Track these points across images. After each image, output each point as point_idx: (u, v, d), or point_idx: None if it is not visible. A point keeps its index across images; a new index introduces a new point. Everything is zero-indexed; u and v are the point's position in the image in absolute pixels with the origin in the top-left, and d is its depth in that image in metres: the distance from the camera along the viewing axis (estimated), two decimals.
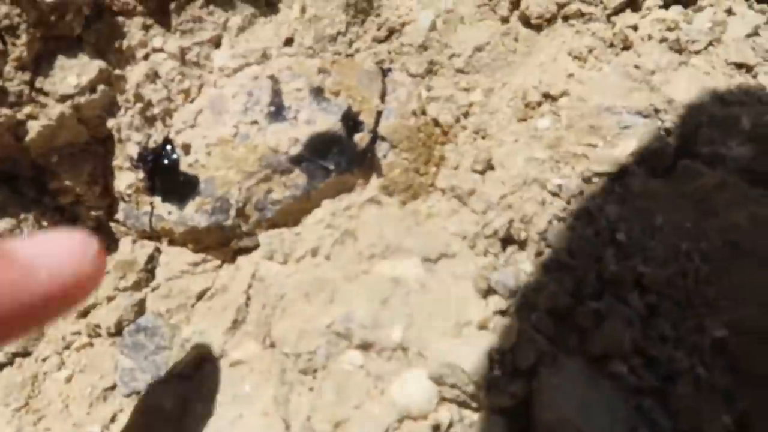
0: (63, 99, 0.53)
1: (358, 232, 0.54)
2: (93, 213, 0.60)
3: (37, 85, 0.53)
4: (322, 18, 0.62)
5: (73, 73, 0.54)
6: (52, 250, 0.39)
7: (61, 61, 0.54)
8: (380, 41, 0.63)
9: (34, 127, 0.53)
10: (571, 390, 0.44)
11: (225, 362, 0.53)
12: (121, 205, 0.60)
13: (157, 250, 0.61)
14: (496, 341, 0.47)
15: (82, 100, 0.54)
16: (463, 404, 0.48)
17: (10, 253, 0.38)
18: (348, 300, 0.52)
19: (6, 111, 0.51)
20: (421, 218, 0.55)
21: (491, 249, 0.52)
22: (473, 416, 0.48)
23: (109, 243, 0.61)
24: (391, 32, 0.64)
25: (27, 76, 0.52)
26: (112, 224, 0.61)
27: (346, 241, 0.54)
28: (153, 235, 0.60)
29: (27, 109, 0.53)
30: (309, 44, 0.61)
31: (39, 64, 0.53)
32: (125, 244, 0.60)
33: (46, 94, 0.53)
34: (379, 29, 0.63)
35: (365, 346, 0.50)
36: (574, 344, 0.45)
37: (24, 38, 0.51)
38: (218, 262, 0.59)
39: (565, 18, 0.63)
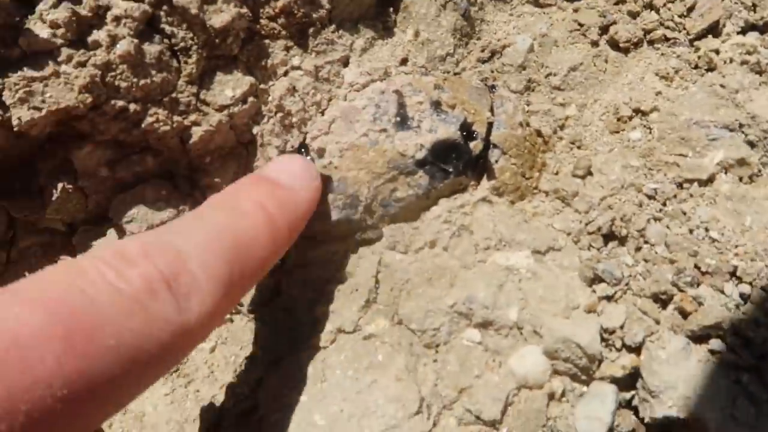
0: (221, 109, 0.62)
1: (473, 227, 0.62)
2: None
3: (201, 96, 0.62)
4: (434, 41, 0.70)
5: (230, 87, 0.63)
6: (291, 170, 0.50)
7: (219, 76, 0.63)
8: (483, 61, 0.72)
9: (197, 132, 0.62)
10: (676, 363, 0.50)
11: (358, 336, 0.60)
12: None
13: None
14: (606, 321, 0.54)
15: (235, 109, 0.63)
16: (574, 376, 0.55)
17: (268, 175, 0.49)
18: (467, 285, 0.59)
19: (177, 118, 0.61)
20: (528, 216, 0.63)
21: (594, 244, 0.59)
22: (583, 388, 0.55)
23: None
24: (493, 53, 0.72)
25: (194, 89, 0.61)
26: None
27: (463, 234, 0.62)
28: None
29: (192, 117, 0.62)
30: (422, 63, 0.70)
31: (203, 79, 0.62)
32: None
33: (207, 104, 0.62)
34: (482, 51, 0.72)
35: (484, 325, 0.58)
36: (677, 324, 0.52)
37: (194, 57, 0.61)
38: (341, 251, 0.67)
39: (651, 42, 0.71)
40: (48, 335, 0.30)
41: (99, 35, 0.55)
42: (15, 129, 0.54)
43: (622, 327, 0.53)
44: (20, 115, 0.53)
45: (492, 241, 0.61)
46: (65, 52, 0.54)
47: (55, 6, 0.54)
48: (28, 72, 0.53)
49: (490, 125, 0.65)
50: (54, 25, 0.54)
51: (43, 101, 0.54)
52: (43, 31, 0.53)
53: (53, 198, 0.60)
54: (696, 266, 0.54)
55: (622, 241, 0.59)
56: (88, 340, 0.32)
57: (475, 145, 0.64)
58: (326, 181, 0.64)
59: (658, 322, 0.53)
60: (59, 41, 0.54)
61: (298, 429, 0.56)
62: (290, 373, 0.61)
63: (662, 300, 0.54)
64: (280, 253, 0.53)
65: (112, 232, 0.64)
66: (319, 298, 0.64)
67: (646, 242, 0.58)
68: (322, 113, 0.67)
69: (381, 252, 0.65)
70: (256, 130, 0.66)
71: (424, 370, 0.58)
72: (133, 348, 0.34)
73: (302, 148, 0.66)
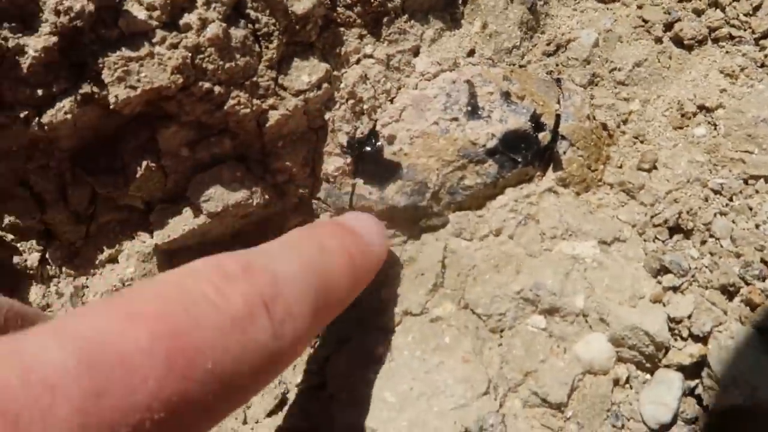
0: (297, 94, 0.65)
1: (539, 216, 0.64)
2: (300, 191, 0.71)
3: (279, 81, 0.64)
4: (501, 33, 0.72)
5: (306, 72, 0.65)
6: (368, 226, 0.53)
7: (297, 62, 0.65)
8: (549, 55, 0.73)
9: (273, 116, 0.64)
10: (743, 352, 0.52)
11: (425, 318, 0.63)
12: (324, 186, 0.70)
13: None
14: (672, 311, 0.55)
15: (310, 95, 0.65)
16: (639, 364, 0.57)
17: (349, 224, 0.51)
18: (534, 272, 0.61)
19: (256, 102, 0.63)
20: (593, 207, 0.64)
21: (659, 236, 0.61)
22: (646, 375, 0.56)
23: (309, 218, 0.72)
24: (558, 47, 0.73)
25: (273, 74, 0.64)
26: (314, 202, 0.71)
27: (529, 223, 0.64)
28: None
29: (270, 101, 0.64)
30: (489, 55, 0.71)
31: (282, 64, 0.65)
32: (324, 219, 0.71)
33: (285, 89, 0.65)
34: (548, 44, 0.73)
35: (550, 311, 0.60)
36: (745, 315, 0.54)
37: (275, 43, 0.63)
38: (404, 237, 0.69)
39: (716, 40, 0.71)
40: (152, 355, 0.29)
41: (190, 18, 0.58)
42: (111, 107, 0.56)
43: (689, 317, 0.55)
44: (117, 93, 0.56)
45: (558, 230, 0.62)
46: (159, 33, 0.57)
47: None
48: (126, 52, 0.56)
49: (558, 117, 0.66)
50: (150, 8, 0.56)
51: (138, 80, 0.56)
52: (140, 13, 0.56)
53: (137, 176, 0.63)
54: (763, 260, 0.56)
55: (688, 234, 0.60)
56: (189, 362, 0.31)
57: (544, 136, 0.65)
58: (397, 168, 0.66)
59: (725, 313, 0.55)
60: (154, 23, 0.56)
61: (369, 406, 0.58)
62: (358, 353, 0.63)
63: (729, 292, 0.56)
64: (354, 295, 0.54)
65: (188, 210, 0.67)
66: (384, 280, 0.66)
67: (711, 236, 0.59)
68: (391, 101, 0.69)
69: (446, 238, 0.66)
70: (327, 115, 0.68)
71: (490, 354, 0.60)
72: (229, 372, 0.33)
73: (372, 135, 0.68)
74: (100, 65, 0.55)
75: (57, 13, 0.52)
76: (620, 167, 0.66)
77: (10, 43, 0.52)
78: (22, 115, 0.56)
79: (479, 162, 0.64)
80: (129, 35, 0.56)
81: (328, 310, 0.48)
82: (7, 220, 0.65)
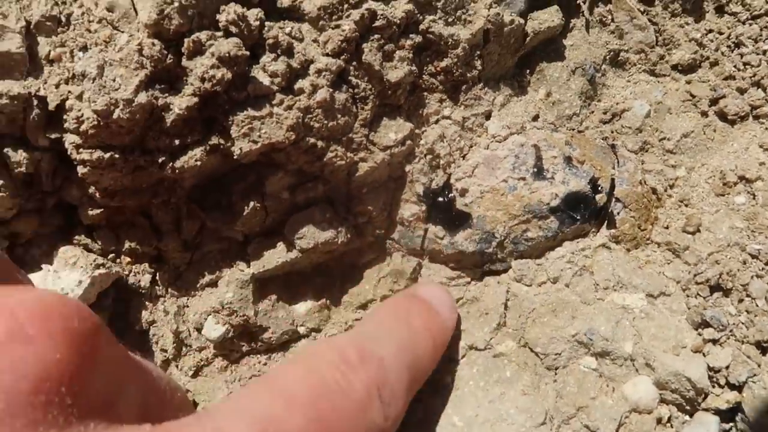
0: (384, 149, 0.74)
1: (594, 268, 0.72)
2: (377, 231, 0.80)
3: (370, 137, 0.74)
4: (563, 101, 0.81)
5: (393, 130, 0.75)
6: (442, 298, 0.61)
7: (386, 121, 0.75)
8: (605, 122, 0.82)
9: (363, 168, 0.74)
10: None
11: (489, 353, 0.71)
12: (398, 228, 0.79)
13: (419, 264, 0.80)
14: (712, 361, 0.63)
15: (395, 150, 0.74)
16: (680, 406, 0.64)
17: (425, 298, 0.59)
18: (588, 318, 0.69)
19: (350, 155, 0.72)
20: (642, 263, 0.73)
21: (701, 293, 0.69)
22: (686, 417, 0.64)
23: (382, 255, 0.82)
24: (614, 116, 0.82)
25: (366, 131, 0.73)
26: (388, 242, 0.80)
27: (584, 274, 0.72)
28: (419, 253, 0.80)
29: (361, 154, 0.73)
30: (551, 120, 0.80)
31: (373, 123, 0.74)
32: (396, 258, 0.80)
33: (374, 144, 0.74)
34: (604, 113, 0.82)
35: (602, 354, 0.68)
36: None
37: (370, 105, 0.73)
38: (468, 279, 0.78)
39: (757, 117, 0.80)
40: None
41: (304, 83, 0.68)
42: (234, 157, 0.66)
43: (727, 367, 0.63)
44: (242, 146, 0.66)
45: (610, 282, 0.71)
46: (278, 96, 0.67)
47: (275, 59, 0.66)
48: (251, 111, 0.66)
49: (614, 181, 0.75)
50: (273, 75, 0.66)
51: (260, 136, 0.66)
52: (264, 79, 0.66)
53: (243, 213, 0.73)
54: None
55: (727, 293, 0.68)
56: None
57: (600, 198, 0.74)
58: (467, 218, 0.75)
59: (759, 366, 0.62)
60: (275, 88, 0.66)
61: (439, 428, 0.66)
62: (427, 381, 0.72)
63: (763, 347, 0.63)
64: (433, 368, 0.62)
65: (281, 245, 0.76)
66: None
67: (748, 296, 0.67)
68: (464, 157, 0.78)
69: (508, 282, 0.75)
70: (407, 167, 0.77)
71: (546, 388, 0.68)
72: None
73: (446, 187, 0.77)
74: (230, 122, 0.65)
75: (202, 80, 0.62)
76: (667, 228, 0.74)
77: (160, 102, 0.63)
78: (159, 160, 0.66)
79: (542, 218, 0.73)
80: (254, 97, 0.66)
81: (417, 385, 0.57)
82: (128, 245, 0.75)
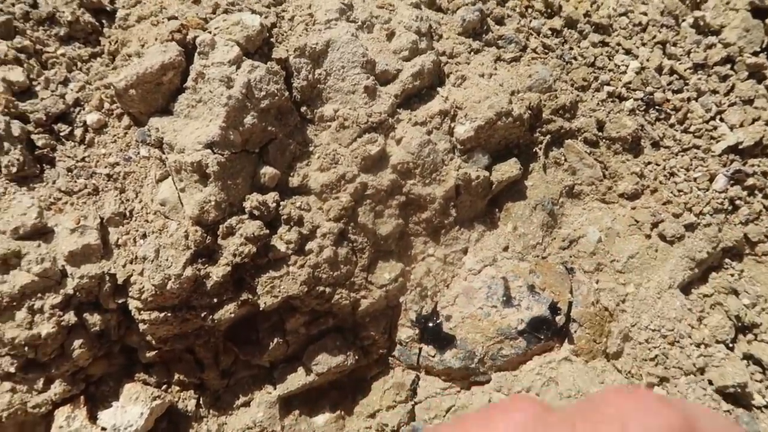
0: (381, 287, 0.91)
1: (558, 379, 0.87)
2: (380, 351, 0.96)
3: (369, 279, 0.91)
4: (527, 234, 0.98)
5: (387, 271, 0.92)
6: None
7: (381, 264, 0.93)
8: (564, 249, 0.99)
9: (364, 304, 0.91)
10: None
11: None
12: (398, 347, 0.96)
13: (417, 377, 0.96)
14: None
15: (390, 287, 0.92)
16: None
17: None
18: None
19: (353, 295, 0.90)
20: (599, 372, 0.88)
21: None
22: None
23: (386, 370, 0.98)
24: (571, 242, 0.99)
25: (365, 275, 0.91)
26: (390, 359, 0.97)
27: (551, 384, 0.87)
28: (416, 368, 0.96)
29: (362, 293, 0.91)
30: (519, 250, 0.97)
31: (370, 267, 0.92)
32: (398, 372, 0.96)
33: (372, 284, 0.92)
34: (563, 240, 0.99)
35: None
36: None
37: (366, 254, 0.90)
38: (458, 388, 0.93)
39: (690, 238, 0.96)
40: None
41: (312, 245, 0.86)
42: (261, 308, 0.84)
43: None
44: (266, 300, 0.84)
45: (572, 391, 0.86)
46: (293, 258, 0.85)
47: (289, 230, 0.85)
48: (272, 273, 0.84)
49: (571, 304, 0.91)
50: (288, 242, 0.84)
51: (279, 291, 0.84)
52: (282, 246, 0.84)
53: (269, 347, 0.90)
54: None
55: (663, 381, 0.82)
56: None
57: (560, 319, 0.90)
58: (453, 339, 0.91)
59: None
60: (290, 252, 0.85)
61: None
62: None
63: None
64: None
65: (301, 369, 0.93)
66: (443, 422, 0.90)
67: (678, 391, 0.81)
68: (448, 287, 0.95)
69: (490, 392, 0.90)
70: (401, 299, 0.94)
71: None
72: None
73: (434, 314, 0.94)
74: (255, 282, 0.84)
75: (234, 255, 0.81)
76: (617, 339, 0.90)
77: (201, 272, 0.81)
78: (201, 315, 0.84)
79: (513, 339, 0.89)
80: (274, 260, 0.85)
81: None
82: (177, 377, 0.92)
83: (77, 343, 0.83)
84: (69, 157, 0.86)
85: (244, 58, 0.84)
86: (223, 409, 0.95)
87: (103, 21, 1.05)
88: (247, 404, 0.94)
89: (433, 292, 0.94)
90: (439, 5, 1.06)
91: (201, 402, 0.94)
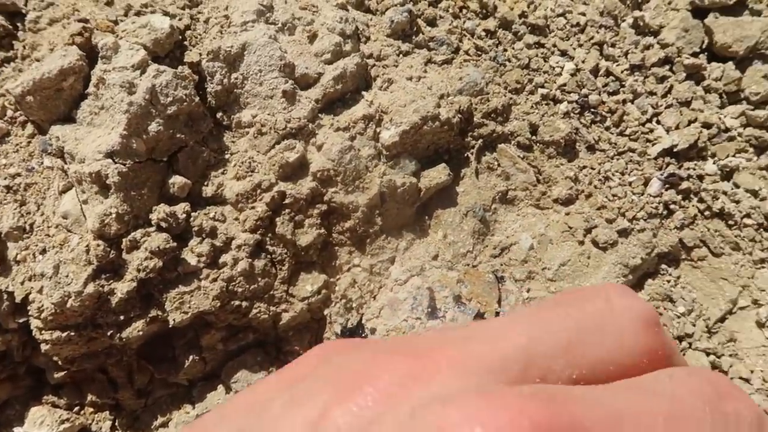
0: (303, 299, 0.88)
1: None
2: None
3: (290, 291, 0.88)
4: (457, 242, 0.95)
5: (309, 283, 0.89)
6: None
7: (303, 276, 0.89)
8: (495, 257, 0.96)
9: (285, 317, 0.87)
10: None
11: None
12: None
13: None
14: None
15: (313, 299, 0.88)
16: None
17: None
18: None
19: (273, 308, 0.86)
20: None
21: None
22: None
23: None
24: (503, 250, 0.96)
25: (285, 287, 0.87)
26: None
27: None
28: None
29: (283, 306, 0.87)
30: (448, 259, 0.94)
31: (291, 279, 0.88)
32: None
33: (293, 296, 0.88)
34: (494, 248, 0.96)
35: None
36: None
37: (286, 266, 0.87)
38: None
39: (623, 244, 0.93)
40: None
41: (226, 258, 0.82)
42: (170, 325, 0.80)
43: None
44: (175, 317, 0.79)
45: None
46: (205, 271, 0.81)
47: (200, 242, 0.81)
48: (182, 288, 0.80)
49: (497, 314, 0.88)
50: (199, 255, 0.81)
51: (189, 307, 0.80)
52: (192, 260, 0.80)
53: (185, 365, 0.86)
54: None
55: None
56: None
57: None
58: None
59: None
60: (201, 265, 0.81)
61: None
62: None
63: None
64: None
65: (221, 387, 0.89)
66: None
67: None
68: (375, 298, 0.92)
69: None
70: (326, 311, 0.91)
71: None
72: None
73: (359, 327, 0.90)
74: (164, 298, 0.80)
75: (139, 270, 0.76)
76: None
77: (105, 288, 0.77)
78: (108, 333, 0.80)
79: None
80: (184, 275, 0.81)
81: None
82: (90, 398, 0.88)
83: None
84: None
85: (150, 62, 0.80)
86: (141, 430, 0.90)
87: (18, 24, 1.01)
88: (165, 425, 0.90)
89: (358, 303, 0.91)
90: (368, 6, 1.03)
91: (117, 423, 0.89)
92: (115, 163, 0.76)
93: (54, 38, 0.91)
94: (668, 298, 0.96)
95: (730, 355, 0.93)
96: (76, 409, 0.87)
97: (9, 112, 0.86)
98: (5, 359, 0.81)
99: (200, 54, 0.86)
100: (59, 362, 0.82)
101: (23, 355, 0.83)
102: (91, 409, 0.88)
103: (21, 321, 0.79)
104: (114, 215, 0.75)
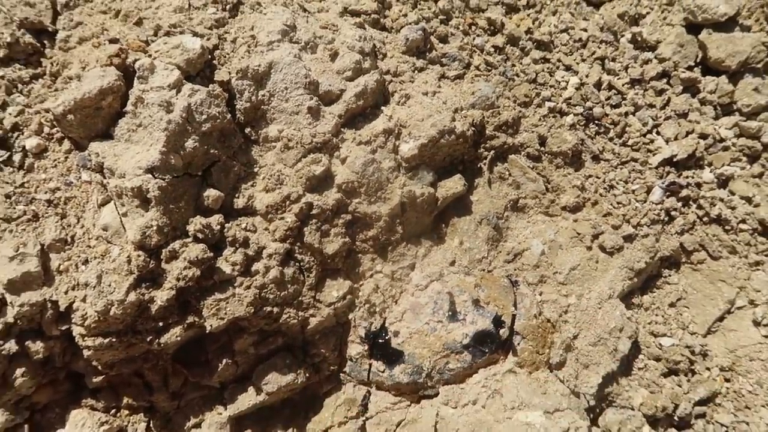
0: (329, 305, 0.93)
1: (503, 391, 0.89)
2: (331, 367, 0.97)
3: (317, 297, 0.92)
4: (473, 248, 1.00)
5: (335, 289, 0.93)
6: None
7: (329, 282, 0.94)
8: (508, 262, 1.01)
9: (313, 322, 0.92)
10: None
11: None
12: (349, 364, 0.97)
13: (368, 392, 0.97)
14: None
15: (338, 305, 0.93)
16: None
17: None
18: None
19: (301, 314, 0.91)
20: (541, 383, 0.90)
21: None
22: None
23: (337, 386, 0.99)
24: (516, 255, 1.01)
25: (313, 294, 0.92)
26: (341, 375, 0.98)
27: (495, 396, 0.89)
28: (367, 383, 0.97)
29: (310, 311, 0.92)
30: (465, 264, 1.00)
31: (318, 285, 0.93)
32: (349, 388, 0.97)
33: (320, 302, 0.93)
34: (508, 254, 1.01)
35: None
36: None
37: (314, 273, 0.91)
38: (408, 402, 0.95)
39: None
40: None
41: (258, 266, 0.86)
42: (207, 331, 0.84)
43: None
44: (212, 323, 0.84)
45: (516, 402, 0.88)
46: (239, 280, 0.86)
47: (234, 251, 0.85)
48: (218, 295, 0.84)
49: (514, 317, 0.94)
50: (234, 264, 0.85)
51: (225, 313, 0.84)
52: (227, 268, 0.85)
53: (218, 369, 0.90)
54: None
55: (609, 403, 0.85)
56: None
57: (504, 332, 0.92)
58: (401, 355, 0.93)
59: None
60: (236, 273, 0.85)
61: None
62: None
63: None
64: None
65: (251, 389, 0.93)
66: None
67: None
68: (396, 302, 0.97)
69: (438, 406, 0.92)
70: (350, 315, 0.96)
71: None
72: None
73: (382, 330, 0.95)
74: (201, 305, 0.84)
75: (178, 279, 0.81)
76: (560, 350, 0.92)
77: (146, 296, 0.81)
78: (147, 339, 0.84)
79: (458, 353, 0.91)
80: (219, 282, 0.85)
81: None
82: (126, 401, 0.91)
83: (19, 371, 0.82)
84: (7, 183, 0.85)
85: (184, 81, 0.84)
86: (174, 431, 0.94)
87: (45, 42, 1.04)
88: (198, 425, 0.94)
89: (381, 308, 0.96)
90: (384, 24, 1.08)
91: (151, 425, 0.93)
92: (155, 178, 0.80)
93: (84, 56, 0.95)
94: (671, 302, 1.02)
95: (730, 354, 1.00)
96: (113, 411, 0.91)
97: (46, 129, 0.90)
98: (47, 365, 0.85)
99: (229, 72, 0.90)
100: (99, 367, 0.86)
101: (63, 360, 0.87)
102: (127, 412, 0.92)
103: (63, 328, 0.83)
104: (155, 227, 0.79)
